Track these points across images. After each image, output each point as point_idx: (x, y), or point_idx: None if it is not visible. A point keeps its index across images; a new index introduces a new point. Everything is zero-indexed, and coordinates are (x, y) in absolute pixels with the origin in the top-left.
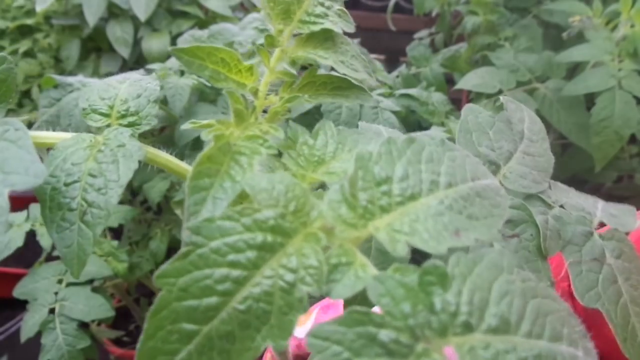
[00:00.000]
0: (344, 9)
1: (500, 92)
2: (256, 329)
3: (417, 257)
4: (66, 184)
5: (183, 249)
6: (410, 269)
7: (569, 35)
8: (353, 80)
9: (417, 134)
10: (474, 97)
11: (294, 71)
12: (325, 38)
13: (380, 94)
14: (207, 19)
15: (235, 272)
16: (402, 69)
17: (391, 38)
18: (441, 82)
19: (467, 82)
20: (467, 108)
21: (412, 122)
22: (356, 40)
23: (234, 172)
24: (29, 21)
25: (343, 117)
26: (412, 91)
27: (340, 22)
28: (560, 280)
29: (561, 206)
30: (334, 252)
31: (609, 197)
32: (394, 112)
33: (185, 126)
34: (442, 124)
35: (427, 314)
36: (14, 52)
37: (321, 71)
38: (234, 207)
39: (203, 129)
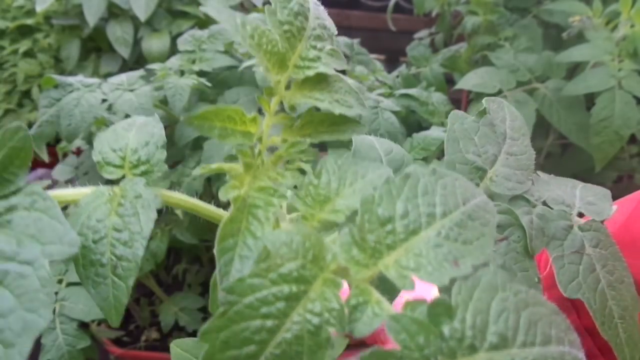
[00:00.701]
0: (336, 48)
1: (500, 92)
2: None
3: None
4: (94, 241)
5: (221, 309)
6: (419, 303)
7: (569, 35)
8: (348, 116)
9: (411, 167)
10: (473, 97)
11: (293, 114)
12: (319, 80)
13: (380, 94)
14: (207, 19)
15: (268, 323)
16: (402, 69)
17: (391, 38)
18: (441, 82)
19: (467, 82)
20: (453, 115)
21: (412, 122)
22: (356, 40)
23: (254, 227)
24: (29, 21)
25: None
26: (412, 91)
27: (333, 63)
28: (546, 275)
29: (544, 202)
30: (352, 293)
31: None
32: (394, 112)
33: (196, 172)
34: (442, 124)
35: (438, 342)
36: (14, 52)
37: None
38: (260, 265)
39: (213, 172)
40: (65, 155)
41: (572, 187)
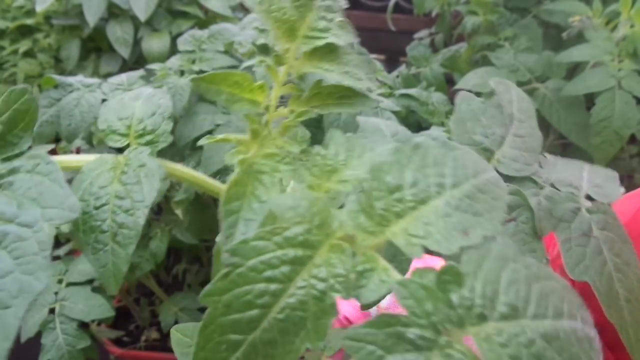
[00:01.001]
0: (345, 19)
1: None
2: (295, 334)
3: None
4: (96, 207)
5: (224, 270)
6: (428, 271)
7: (569, 35)
8: (357, 89)
9: (421, 137)
10: None
11: (301, 84)
12: (329, 50)
13: (380, 94)
14: (207, 19)
15: (272, 286)
16: (402, 69)
17: (391, 38)
18: (441, 82)
19: (467, 82)
20: (460, 96)
21: (412, 122)
22: (356, 40)
23: (259, 192)
24: (29, 21)
25: (343, 117)
26: (412, 91)
27: (342, 35)
28: (555, 257)
29: (551, 184)
30: (358, 259)
31: None
32: (394, 112)
33: (203, 141)
34: (442, 124)
35: (446, 310)
36: (14, 52)
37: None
38: (265, 228)
39: (220, 143)
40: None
41: (579, 168)
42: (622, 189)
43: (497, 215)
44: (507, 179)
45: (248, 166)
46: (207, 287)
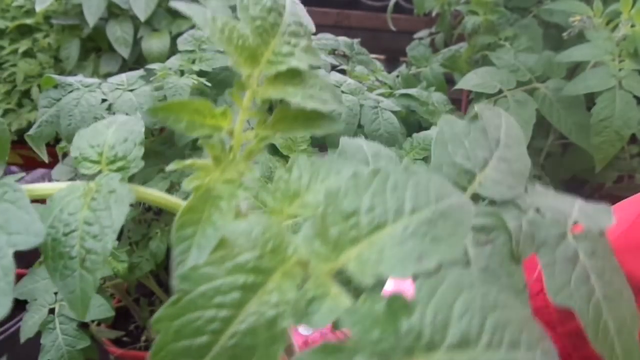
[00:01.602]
0: (311, 44)
1: (500, 92)
2: None
3: None
4: (65, 234)
5: (174, 297)
6: (378, 298)
7: (569, 35)
8: (322, 112)
9: (382, 163)
10: (474, 97)
11: (265, 109)
12: (292, 75)
13: (380, 94)
14: None
15: (222, 313)
16: (402, 69)
17: (391, 38)
18: (441, 82)
19: (467, 82)
20: (443, 120)
21: (412, 122)
22: (356, 40)
23: (215, 217)
24: (29, 21)
25: (343, 117)
26: (412, 91)
27: (306, 58)
28: (535, 280)
29: (537, 209)
30: (310, 285)
31: (609, 197)
32: (394, 112)
33: (170, 167)
34: None
35: (394, 338)
36: (14, 52)
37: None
38: (217, 253)
39: (185, 169)
40: (65, 155)
41: (572, 200)
42: (614, 220)
43: (457, 240)
44: (490, 202)
45: (206, 191)
46: (158, 313)
